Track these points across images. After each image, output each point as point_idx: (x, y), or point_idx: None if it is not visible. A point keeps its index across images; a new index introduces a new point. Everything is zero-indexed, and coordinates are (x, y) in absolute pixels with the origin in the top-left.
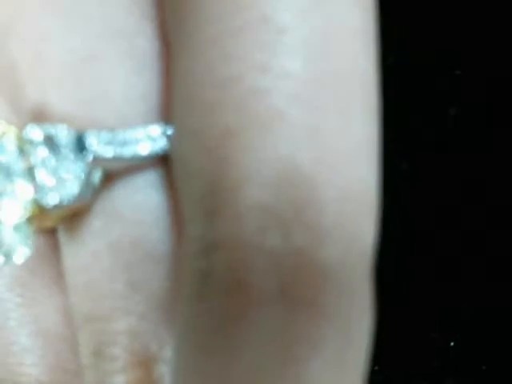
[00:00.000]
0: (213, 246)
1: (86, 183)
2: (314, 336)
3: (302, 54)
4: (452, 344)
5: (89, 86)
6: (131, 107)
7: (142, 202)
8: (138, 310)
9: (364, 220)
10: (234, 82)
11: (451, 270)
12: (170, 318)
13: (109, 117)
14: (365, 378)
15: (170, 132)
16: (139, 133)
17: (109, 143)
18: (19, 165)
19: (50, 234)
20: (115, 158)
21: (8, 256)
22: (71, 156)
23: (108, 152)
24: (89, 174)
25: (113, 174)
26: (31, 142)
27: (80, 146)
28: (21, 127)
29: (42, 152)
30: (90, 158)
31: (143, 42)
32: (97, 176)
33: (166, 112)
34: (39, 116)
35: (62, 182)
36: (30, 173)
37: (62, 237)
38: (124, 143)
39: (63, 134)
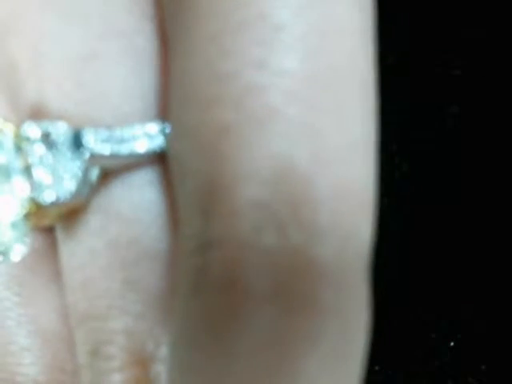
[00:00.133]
0: (208, 244)
1: (83, 181)
2: (311, 334)
3: (300, 52)
4: (452, 344)
5: (88, 84)
6: (130, 106)
7: (139, 200)
8: (135, 309)
9: (360, 218)
10: (231, 78)
11: (451, 270)
12: (167, 317)
13: (107, 115)
14: (364, 377)
15: (167, 130)
16: (136, 130)
17: (106, 141)
18: (16, 162)
19: (48, 232)
20: (112, 156)
21: (5, 254)
22: (68, 153)
23: (105, 149)
24: (86, 172)
25: (110, 171)
26: (28, 140)
27: (77, 143)
28: (19, 125)
29: (39, 149)
30: (87, 155)
31: (143, 41)
32: (94, 174)
33: (165, 111)
34: (37, 114)
35: (59, 180)
36: (26, 170)
37: (60, 235)
38: (121, 141)
39: (60, 132)
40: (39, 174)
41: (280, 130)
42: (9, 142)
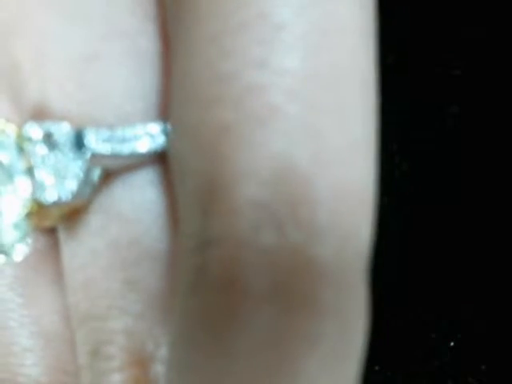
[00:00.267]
0: (208, 243)
1: (85, 181)
2: (309, 333)
3: (300, 51)
4: (452, 344)
5: (90, 84)
6: (131, 106)
7: (140, 201)
8: (135, 309)
9: (360, 218)
10: (232, 78)
11: (451, 270)
12: (167, 317)
13: (109, 115)
14: (364, 377)
15: (168, 130)
16: (138, 130)
17: (107, 140)
18: (18, 163)
19: (51, 233)
20: (114, 155)
21: (7, 254)
22: (70, 153)
23: (106, 149)
24: (87, 172)
25: (112, 171)
26: (30, 140)
27: (79, 143)
28: (21, 125)
29: (41, 150)
30: (89, 155)
31: (145, 42)
32: (96, 174)
33: (166, 111)
34: (40, 114)
35: (61, 179)
36: (29, 171)
37: (61, 236)
38: (123, 140)
39: (62, 132)
40: (41, 173)
41: (280, 130)
42: (11, 143)
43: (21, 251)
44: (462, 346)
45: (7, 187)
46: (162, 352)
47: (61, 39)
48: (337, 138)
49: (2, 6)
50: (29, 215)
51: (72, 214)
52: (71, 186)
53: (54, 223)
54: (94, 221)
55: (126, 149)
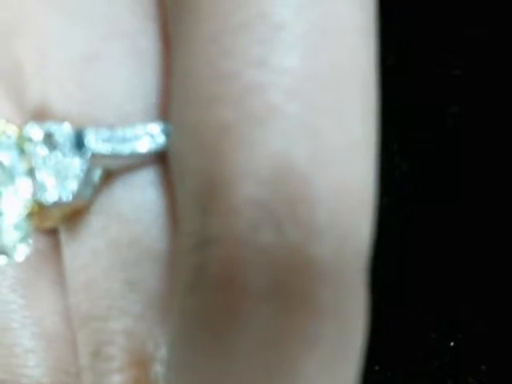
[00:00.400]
0: (207, 242)
1: (86, 181)
2: (308, 332)
3: (300, 50)
4: (452, 344)
5: (91, 85)
6: (132, 106)
7: (140, 201)
8: (135, 310)
9: (359, 218)
10: (232, 77)
11: (451, 269)
12: (167, 317)
13: (109, 115)
14: (364, 377)
15: (169, 130)
16: (138, 130)
17: (107, 140)
18: (20, 164)
19: (52, 234)
20: (114, 155)
21: (9, 254)
22: (70, 153)
23: (107, 149)
24: (88, 172)
25: (112, 172)
26: (31, 141)
27: (79, 143)
28: (22, 126)
29: (42, 151)
30: (89, 155)
31: (146, 41)
32: (97, 174)
33: (167, 111)
34: (41, 115)
35: (62, 180)
36: (29, 171)
37: (63, 237)
38: (123, 140)
39: (62, 132)
40: (42, 174)
41: (279, 129)
42: (12, 144)
43: (22, 252)
44: (461, 346)
45: (8, 188)
46: (162, 352)
47: (62, 39)
48: (336, 138)
49: (4, 7)
50: (30, 216)
51: (73, 214)
52: (72, 186)
53: (54, 224)
54: (94, 221)
55: (126, 149)
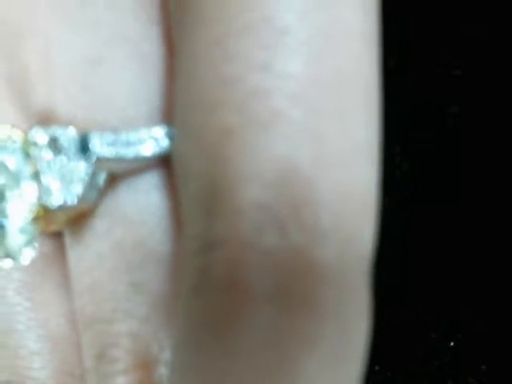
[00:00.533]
0: (211, 244)
1: (90, 184)
2: (310, 335)
3: (304, 55)
4: (452, 344)
5: (95, 89)
6: (136, 110)
7: (144, 204)
8: (140, 312)
9: (362, 221)
10: (235, 82)
11: (451, 270)
12: (171, 320)
13: (113, 119)
14: (364, 377)
15: (173, 133)
16: (142, 134)
17: (112, 144)
18: (25, 167)
19: (57, 237)
20: (118, 159)
21: (14, 258)
22: (75, 157)
23: (111, 153)
24: (93, 175)
25: (117, 175)
26: (36, 145)
27: (84, 147)
28: (27, 130)
29: (47, 155)
30: (94, 158)
31: (149, 46)
32: (101, 178)
33: (170, 114)
34: (45, 119)
35: (67, 184)
36: (35, 175)
37: (67, 240)
38: (127, 144)
39: (67, 136)
40: (47, 178)
41: (283, 133)
42: (17, 148)
43: (28, 255)
44: (461, 346)
45: (14, 192)
46: (167, 355)
47: (66, 44)
48: (339, 142)
49: (8, 12)
50: (35, 219)
51: (78, 217)
52: (77, 190)
53: (60, 227)
54: (99, 224)
55: (130, 152)
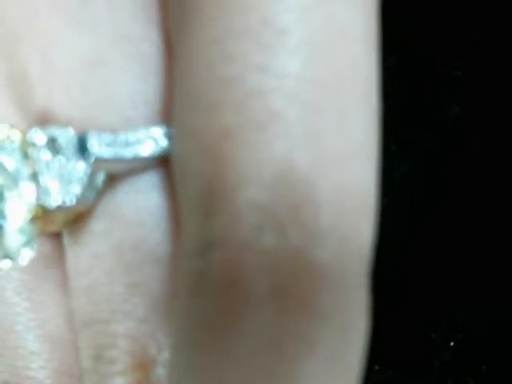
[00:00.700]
0: (209, 245)
1: (89, 185)
2: (308, 335)
3: (302, 56)
4: (452, 344)
5: (94, 90)
6: (135, 111)
7: (143, 204)
8: (138, 313)
9: (361, 221)
10: (234, 82)
11: (451, 270)
12: (169, 320)
13: (112, 119)
14: (364, 377)
15: (171, 134)
16: (141, 134)
17: (110, 145)
18: (23, 168)
19: (56, 238)
20: (117, 160)
21: (13, 258)
22: (73, 158)
23: (109, 153)
24: (91, 176)
25: (116, 176)
26: (34, 146)
27: (82, 147)
28: (26, 131)
29: (45, 155)
30: (92, 159)
31: (149, 46)
32: (100, 178)
33: (169, 115)
34: (44, 120)
35: (65, 184)
36: (33, 175)
37: (66, 240)
38: (125, 144)
39: (65, 136)
40: (45, 178)
41: (281, 133)
42: (16, 148)
43: (26, 256)
44: (461, 346)
45: (12, 192)
46: (165, 356)
47: (66, 45)
48: (338, 142)
49: (8, 13)
50: (34, 220)
51: (76, 218)
52: (75, 190)
53: (58, 228)
54: (97, 225)
55: (128, 153)
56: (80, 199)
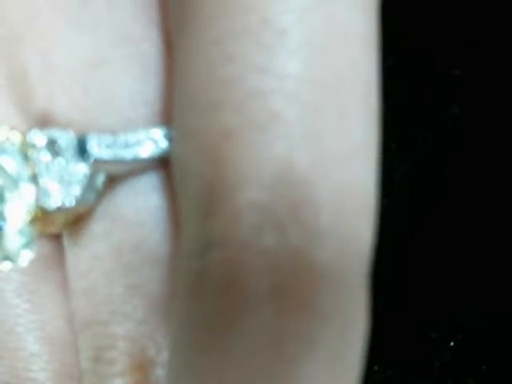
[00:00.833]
0: (209, 246)
1: (89, 186)
2: (308, 336)
3: (302, 56)
4: (452, 344)
5: (95, 91)
6: (135, 111)
7: (143, 205)
8: (137, 315)
9: (361, 221)
10: (234, 82)
11: (451, 270)
12: (169, 322)
13: (113, 120)
14: (364, 377)
15: (171, 135)
16: (140, 135)
17: (110, 146)
18: (23, 169)
19: (57, 239)
20: (116, 161)
21: (13, 260)
22: (73, 159)
23: (109, 155)
24: (91, 177)
25: (115, 177)
26: (34, 147)
27: (81, 149)
28: (26, 132)
29: (45, 157)
30: (92, 160)
31: (149, 47)
32: (100, 179)
33: (170, 116)
34: (44, 121)
35: (65, 186)
36: (33, 177)
37: (66, 241)
38: (125, 146)
39: (65, 138)
40: (45, 179)
41: (281, 134)
42: (16, 150)
43: (26, 257)
44: (461, 346)
45: (12, 194)
46: (164, 357)
47: (67, 46)
48: (338, 142)
49: (9, 13)
50: (33, 221)
51: (76, 219)
52: (75, 191)
53: (58, 229)
54: (97, 226)
55: (128, 154)
56: (80, 201)
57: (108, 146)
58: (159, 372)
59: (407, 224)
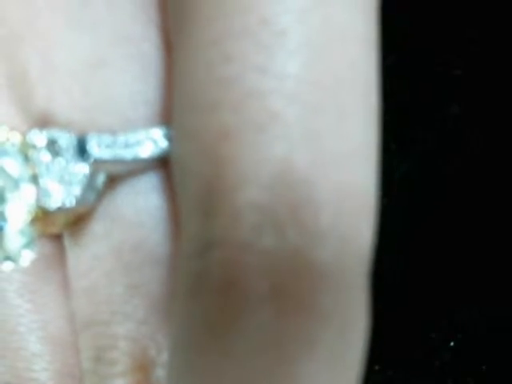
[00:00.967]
0: (208, 246)
1: (89, 186)
2: (309, 336)
3: (301, 57)
4: (452, 344)
5: (95, 91)
6: (135, 111)
7: (143, 206)
8: (138, 315)
9: (361, 221)
10: (232, 82)
11: (451, 270)
12: (169, 322)
13: (113, 121)
14: (364, 377)
15: (171, 135)
16: (140, 135)
17: (110, 146)
18: (23, 170)
19: (57, 240)
20: (116, 161)
21: (14, 260)
22: (73, 159)
23: (109, 155)
24: (91, 177)
25: (115, 177)
26: (34, 147)
27: (81, 149)
28: (26, 133)
29: (45, 157)
30: (92, 160)
31: (149, 47)
32: (100, 180)
33: (169, 116)
34: (45, 122)
35: (65, 186)
36: (33, 177)
37: (67, 242)
38: (125, 146)
39: (65, 138)
40: (45, 180)
41: (280, 134)
42: (16, 151)
43: (27, 257)
44: (461, 346)
45: (13, 194)
46: (164, 357)
47: (67, 46)
48: (337, 142)
49: (9, 13)
50: (34, 221)
51: (76, 219)
52: (75, 191)
53: (59, 229)
54: (97, 226)
55: (128, 154)
56: (80, 201)
57: (108, 146)
58: (160, 372)
59: (407, 224)
